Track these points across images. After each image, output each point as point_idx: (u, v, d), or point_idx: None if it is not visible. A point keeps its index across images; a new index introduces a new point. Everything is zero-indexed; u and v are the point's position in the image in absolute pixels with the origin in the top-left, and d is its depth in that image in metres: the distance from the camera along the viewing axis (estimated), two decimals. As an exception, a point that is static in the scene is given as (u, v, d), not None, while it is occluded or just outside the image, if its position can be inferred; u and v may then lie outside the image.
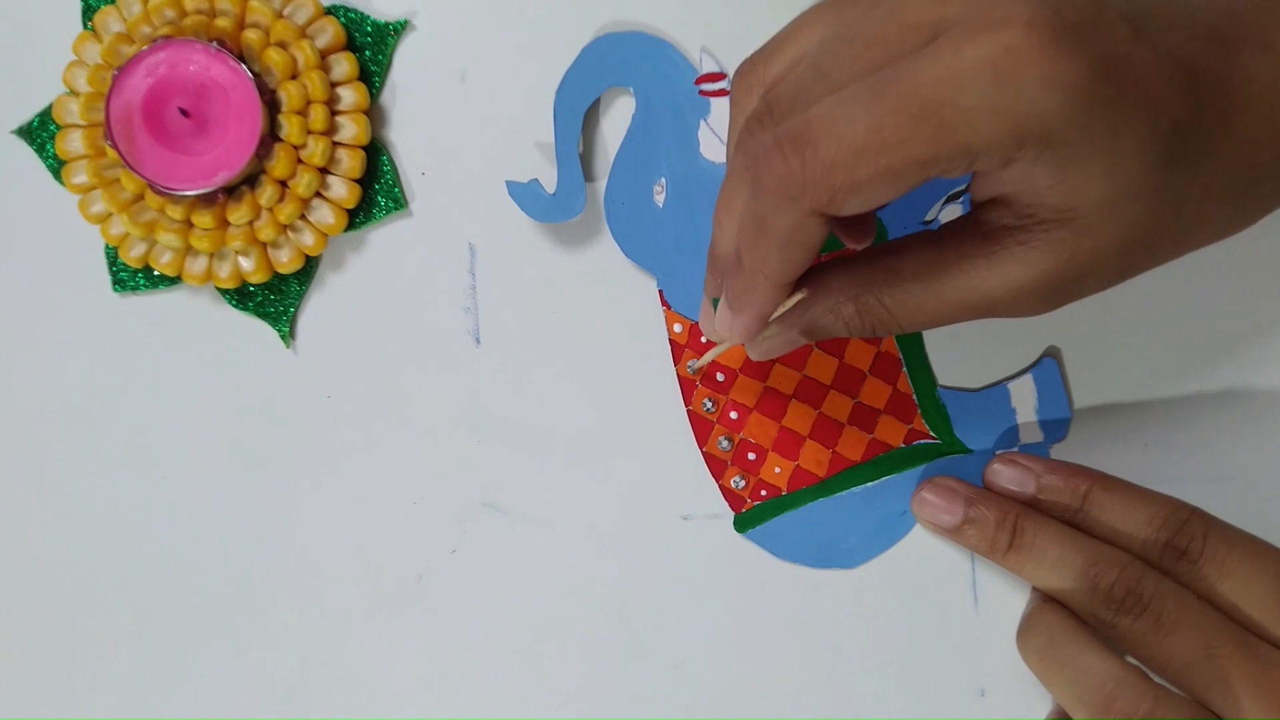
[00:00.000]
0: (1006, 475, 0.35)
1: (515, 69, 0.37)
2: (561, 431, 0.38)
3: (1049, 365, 0.37)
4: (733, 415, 0.37)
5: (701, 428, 0.37)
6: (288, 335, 0.38)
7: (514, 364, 0.38)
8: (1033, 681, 0.35)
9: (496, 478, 0.38)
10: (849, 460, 0.37)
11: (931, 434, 0.37)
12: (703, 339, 0.36)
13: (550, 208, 0.36)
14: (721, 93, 0.36)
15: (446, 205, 0.38)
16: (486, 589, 0.38)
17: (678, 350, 0.37)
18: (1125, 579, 0.32)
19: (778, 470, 0.37)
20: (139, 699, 0.39)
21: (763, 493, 0.37)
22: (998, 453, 0.36)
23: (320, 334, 0.38)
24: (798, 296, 0.29)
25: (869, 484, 0.37)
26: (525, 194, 0.36)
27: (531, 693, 0.38)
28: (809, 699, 0.35)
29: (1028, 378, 0.37)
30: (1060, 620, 0.34)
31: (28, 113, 0.37)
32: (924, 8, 0.24)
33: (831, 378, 0.37)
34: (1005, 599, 0.37)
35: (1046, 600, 0.34)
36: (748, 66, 0.29)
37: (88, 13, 0.37)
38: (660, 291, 0.37)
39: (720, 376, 0.37)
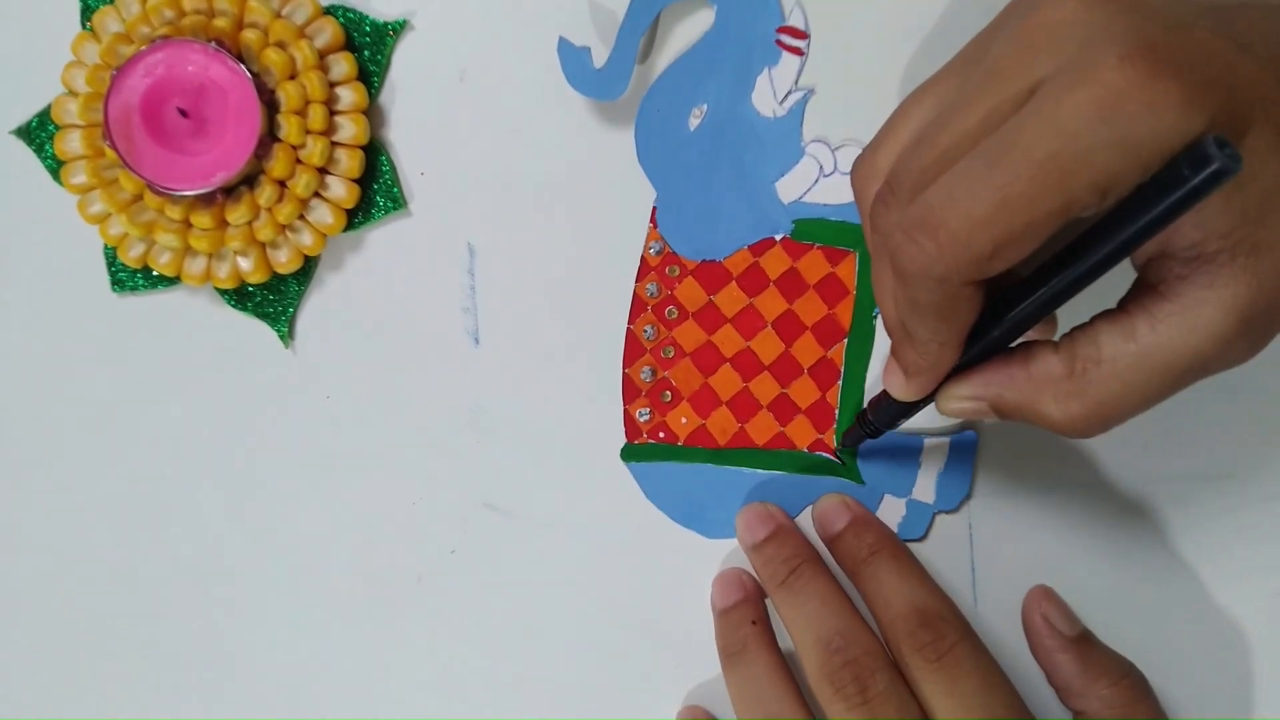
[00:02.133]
0: (826, 504, 0.37)
1: (515, 69, 0.37)
2: (561, 431, 0.38)
3: (969, 438, 0.37)
4: (666, 352, 0.37)
5: (633, 350, 0.37)
6: (287, 335, 0.38)
7: (514, 364, 0.38)
8: (1034, 679, 0.36)
9: (496, 478, 0.38)
10: (750, 441, 0.37)
11: (836, 452, 0.37)
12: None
13: (591, 80, 0.35)
14: (796, 50, 0.36)
15: (446, 205, 0.38)
16: (486, 589, 0.38)
17: (644, 270, 0.37)
18: (858, 665, 0.32)
19: (684, 420, 0.37)
20: (139, 699, 0.39)
21: (661, 434, 0.37)
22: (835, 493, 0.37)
23: (320, 334, 0.38)
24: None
25: (758, 470, 0.37)
26: (573, 58, 0.35)
27: (531, 692, 0.38)
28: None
29: (945, 441, 0.37)
30: (771, 666, 0.34)
31: (26, 113, 0.37)
32: (1016, 67, 0.25)
33: (771, 360, 0.37)
34: (1005, 597, 0.37)
35: (772, 642, 0.35)
36: (861, 160, 0.30)
37: (86, 13, 0.37)
38: (654, 209, 0.37)
39: (673, 312, 0.37)
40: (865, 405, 0.34)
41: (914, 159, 0.26)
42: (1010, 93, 0.25)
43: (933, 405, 0.30)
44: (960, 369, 0.29)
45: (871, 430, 0.34)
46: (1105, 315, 0.27)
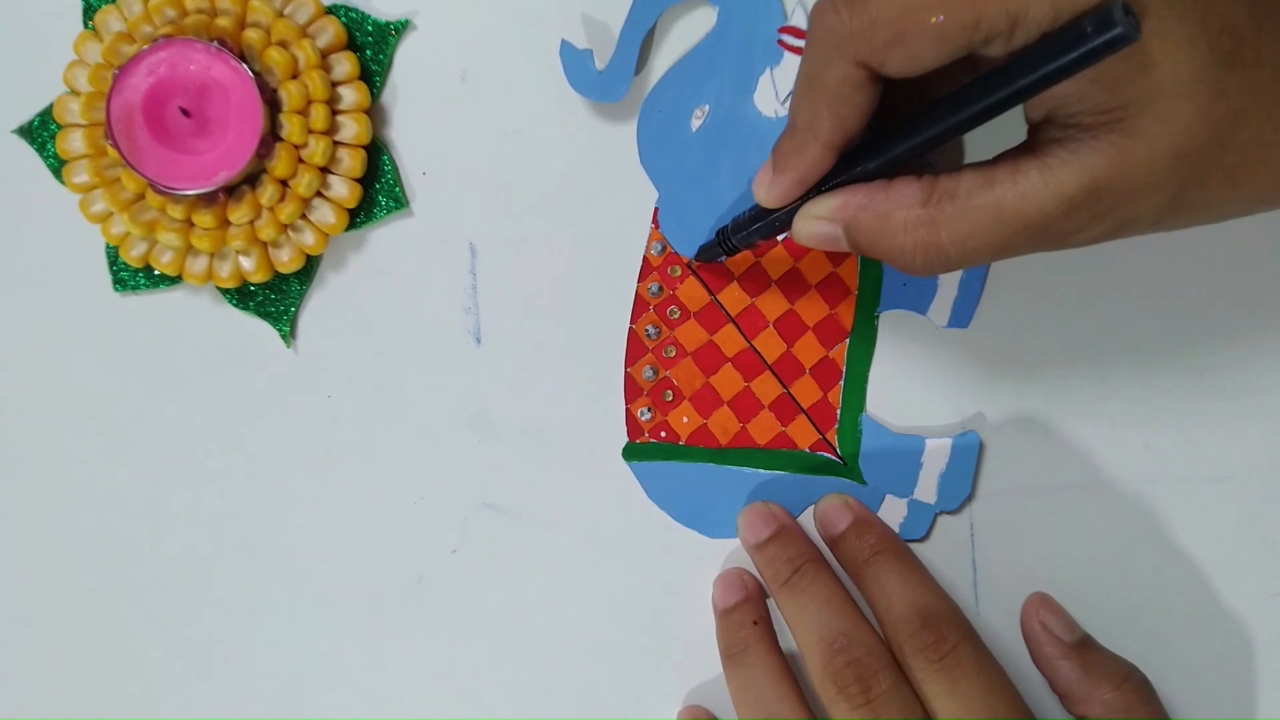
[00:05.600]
0: (828, 505, 0.37)
1: (515, 69, 0.37)
2: (563, 431, 0.38)
3: (971, 439, 0.37)
4: (668, 352, 0.37)
5: (635, 349, 0.37)
6: (288, 335, 0.38)
7: (514, 364, 0.38)
8: (1036, 680, 0.36)
9: (496, 478, 0.38)
10: (752, 441, 0.37)
11: (838, 452, 0.37)
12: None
13: (593, 83, 0.36)
14: (798, 50, 0.36)
15: (447, 205, 0.38)
16: (486, 589, 0.38)
17: (647, 270, 0.37)
18: (861, 665, 0.32)
19: (685, 420, 0.37)
20: (139, 699, 0.39)
21: (662, 434, 0.37)
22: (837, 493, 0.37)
23: (321, 334, 0.38)
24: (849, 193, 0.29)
25: (759, 470, 0.37)
26: (574, 60, 0.36)
27: (531, 692, 0.38)
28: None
29: (947, 442, 0.37)
30: (773, 666, 0.34)
31: (28, 112, 0.37)
32: None
33: (774, 359, 0.37)
34: (1007, 598, 0.37)
35: (773, 643, 0.35)
36: None
37: (88, 12, 0.37)
38: (656, 209, 0.37)
39: (675, 312, 0.37)
40: (729, 225, 0.34)
41: None
42: None
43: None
44: (827, 190, 0.29)
45: (729, 248, 0.34)
46: (975, 163, 0.28)
